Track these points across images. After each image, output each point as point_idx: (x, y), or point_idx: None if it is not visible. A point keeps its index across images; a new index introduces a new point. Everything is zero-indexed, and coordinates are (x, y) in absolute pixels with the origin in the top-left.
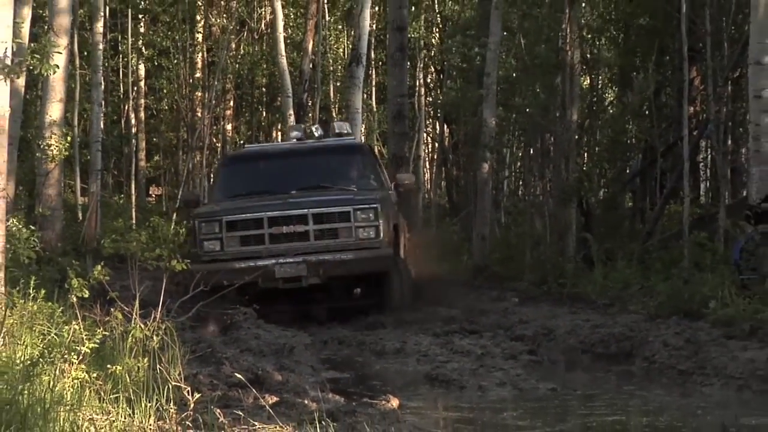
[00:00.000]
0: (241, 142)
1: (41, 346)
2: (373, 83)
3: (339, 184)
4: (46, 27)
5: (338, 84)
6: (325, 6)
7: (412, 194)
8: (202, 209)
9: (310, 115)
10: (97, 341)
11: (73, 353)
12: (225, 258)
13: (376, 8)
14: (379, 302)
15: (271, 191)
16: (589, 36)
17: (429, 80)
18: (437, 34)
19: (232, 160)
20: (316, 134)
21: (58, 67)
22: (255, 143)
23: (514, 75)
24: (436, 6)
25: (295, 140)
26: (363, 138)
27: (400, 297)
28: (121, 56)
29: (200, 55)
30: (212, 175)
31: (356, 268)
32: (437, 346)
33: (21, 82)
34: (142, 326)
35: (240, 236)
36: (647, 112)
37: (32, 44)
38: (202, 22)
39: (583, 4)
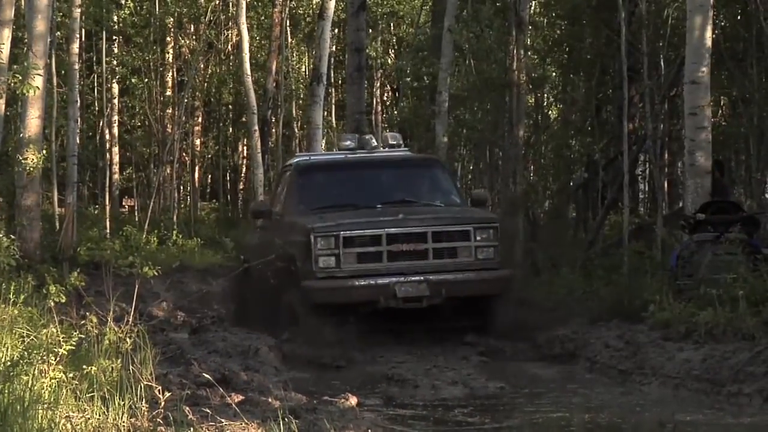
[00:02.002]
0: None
1: (21, 348)
2: (333, 101)
3: (424, 199)
4: (25, 49)
5: (300, 101)
6: (288, 29)
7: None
8: (316, 223)
9: (273, 130)
10: (74, 343)
11: (51, 355)
12: (342, 275)
13: (336, 30)
14: (482, 323)
15: (356, 205)
16: (535, 57)
17: (385, 98)
18: (393, 55)
19: (308, 170)
20: (372, 144)
21: (38, 88)
22: (303, 153)
23: (465, 93)
24: (392, 29)
25: (347, 149)
26: None
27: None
28: (96, 75)
29: (170, 74)
30: (279, 185)
31: (478, 288)
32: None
33: (1, 100)
34: (116, 329)
35: (357, 253)
36: (589, 129)
37: (14, 66)
38: (172, 44)
39: (530, 28)
